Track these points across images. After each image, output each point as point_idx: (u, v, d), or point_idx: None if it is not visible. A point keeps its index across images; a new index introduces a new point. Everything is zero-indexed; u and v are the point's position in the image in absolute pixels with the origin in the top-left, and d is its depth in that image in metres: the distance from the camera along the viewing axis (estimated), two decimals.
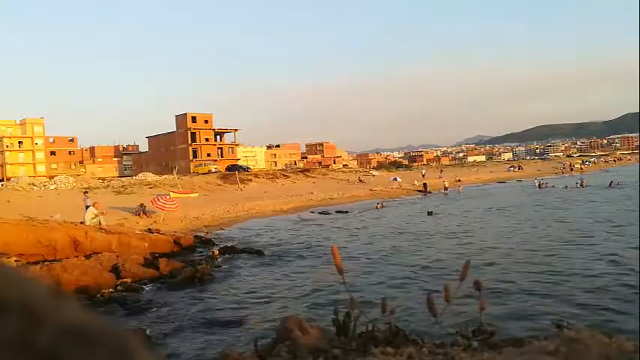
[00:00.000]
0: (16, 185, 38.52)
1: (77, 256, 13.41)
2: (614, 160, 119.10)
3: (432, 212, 27.04)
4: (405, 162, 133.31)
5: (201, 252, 16.99)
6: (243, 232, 22.85)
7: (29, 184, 39.88)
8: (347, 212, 30.68)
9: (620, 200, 29.22)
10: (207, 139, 78.83)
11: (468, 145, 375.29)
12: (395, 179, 53.90)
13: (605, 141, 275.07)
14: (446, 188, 45.96)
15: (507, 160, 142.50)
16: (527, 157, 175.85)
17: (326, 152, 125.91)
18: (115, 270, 12.59)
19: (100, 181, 47.07)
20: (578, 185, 42.32)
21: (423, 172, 63.80)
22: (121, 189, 38.77)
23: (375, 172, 72.93)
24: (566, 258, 13.54)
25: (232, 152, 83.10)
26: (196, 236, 19.32)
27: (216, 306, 10.42)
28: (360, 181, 57.34)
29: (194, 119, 78.27)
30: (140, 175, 52.54)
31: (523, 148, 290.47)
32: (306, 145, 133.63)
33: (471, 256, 13.55)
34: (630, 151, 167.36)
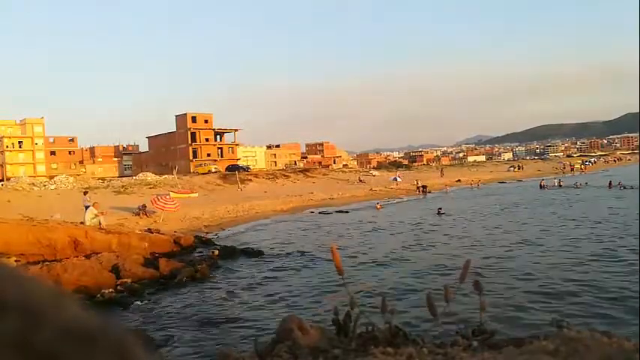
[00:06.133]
0: (16, 185, 38.52)
1: (77, 256, 13.42)
2: (614, 160, 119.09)
3: (441, 210, 27.13)
4: (405, 162, 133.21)
5: (201, 252, 16.99)
6: (243, 232, 22.87)
7: (29, 184, 39.89)
8: (347, 212, 30.70)
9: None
10: (207, 139, 78.80)
11: (467, 145, 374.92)
12: (395, 179, 53.92)
13: (605, 141, 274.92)
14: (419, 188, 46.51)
15: (507, 160, 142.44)
16: (527, 157, 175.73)
17: (326, 152, 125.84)
18: (115, 270, 12.60)
19: (100, 181, 47.09)
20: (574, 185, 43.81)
21: (398, 174, 62.51)
22: (121, 189, 38.78)
23: (375, 172, 72.92)
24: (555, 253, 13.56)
25: (232, 152, 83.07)
26: (196, 236, 19.32)
27: (216, 306, 10.42)
28: (361, 181, 57.34)
29: (194, 119, 78.26)
30: (140, 175, 52.54)
31: (523, 148, 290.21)
32: (306, 145, 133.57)
33: (468, 253, 13.56)
34: (630, 151, 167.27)
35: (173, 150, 78.89)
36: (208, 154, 77.22)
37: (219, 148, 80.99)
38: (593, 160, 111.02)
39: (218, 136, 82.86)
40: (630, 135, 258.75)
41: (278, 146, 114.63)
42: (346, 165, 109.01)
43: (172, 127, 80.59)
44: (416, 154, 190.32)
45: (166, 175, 48.97)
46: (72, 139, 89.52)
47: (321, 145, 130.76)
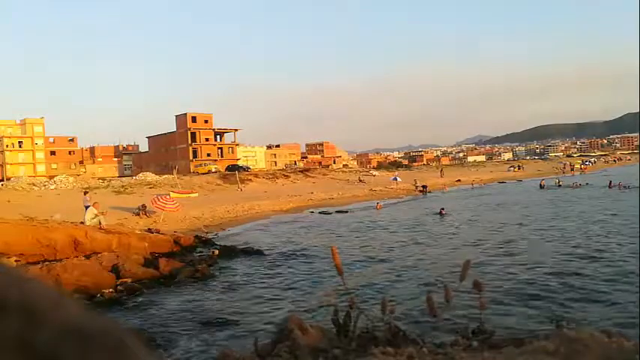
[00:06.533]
0: (16, 185, 38.52)
1: (77, 256, 13.42)
2: (614, 160, 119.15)
3: (443, 210, 27.06)
4: (405, 162, 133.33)
5: (201, 252, 16.99)
6: (243, 232, 22.85)
7: (29, 184, 39.88)
8: (347, 212, 30.69)
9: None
10: (207, 139, 78.87)
11: (468, 145, 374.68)
12: (395, 179, 53.91)
13: (605, 141, 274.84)
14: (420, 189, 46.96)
15: (507, 160, 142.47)
16: (527, 157, 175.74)
17: (326, 152, 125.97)
18: (115, 270, 12.60)
19: (100, 181, 47.08)
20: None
21: (397, 174, 61.82)
22: (121, 189, 38.77)
23: (375, 172, 72.92)
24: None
25: (232, 152, 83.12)
26: (196, 236, 19.31)
27: (216, 306, 10.42)
28: (361, 181, 57.35)
29: (194, 119, 78.32)
30: (140, 175, 52.55)
31: (523, 148, 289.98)
32: (306, 145, 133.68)
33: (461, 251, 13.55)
34: (630, 151, 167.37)
35: (173, 150, 78.93)
36: (208, 154, 77.27)
37: (219, 148, 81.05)
38: (593, 160, 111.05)
39: (218, 136, 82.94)
40: (630, 135, 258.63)
41: (278, 146, 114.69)
42: (346, 165, 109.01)
43: (172, 127, 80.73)
44: (416, 154, 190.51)
45: (166, 175, 48.98)
46: (72, 139, 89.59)
47: (321, 145, 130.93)
